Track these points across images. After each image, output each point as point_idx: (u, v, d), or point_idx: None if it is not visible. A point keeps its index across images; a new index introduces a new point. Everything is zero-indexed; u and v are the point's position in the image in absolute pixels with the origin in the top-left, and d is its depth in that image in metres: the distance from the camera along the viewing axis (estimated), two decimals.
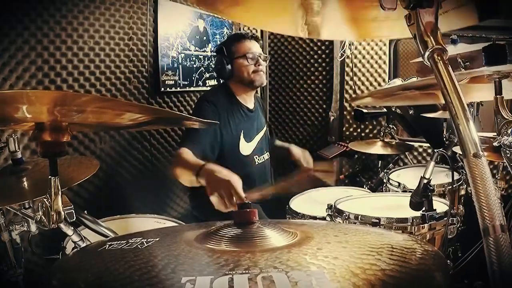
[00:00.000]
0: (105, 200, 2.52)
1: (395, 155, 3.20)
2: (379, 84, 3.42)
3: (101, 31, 2.44)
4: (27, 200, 1.36)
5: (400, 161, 3.32)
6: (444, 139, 2.54)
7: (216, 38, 3.31)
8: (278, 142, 2.80)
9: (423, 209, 1.61)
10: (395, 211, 1.77)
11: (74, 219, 1.05)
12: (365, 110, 3.03)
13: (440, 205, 1.76)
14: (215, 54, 2.58)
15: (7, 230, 1.50)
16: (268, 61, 2.51)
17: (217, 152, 2.23)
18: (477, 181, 0.64)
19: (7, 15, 1.99)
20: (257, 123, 2.52)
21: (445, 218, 1.65)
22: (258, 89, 2.55)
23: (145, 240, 0.84)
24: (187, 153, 2.00)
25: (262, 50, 2.46)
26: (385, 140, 3.04)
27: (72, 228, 1.22)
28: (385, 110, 3.01)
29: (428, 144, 3.12)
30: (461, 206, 2.24)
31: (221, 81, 2.52)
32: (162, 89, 2.85)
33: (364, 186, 2.88)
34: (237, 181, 1.59)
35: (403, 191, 2.22)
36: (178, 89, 2.99)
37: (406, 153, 3.26)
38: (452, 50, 2.35)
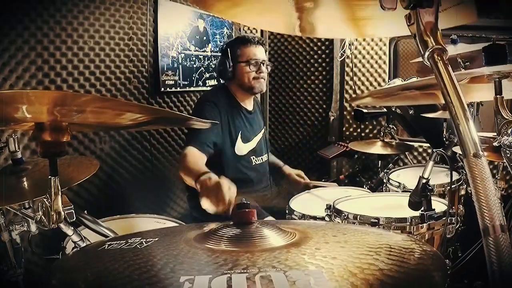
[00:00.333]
0: (105, 200, 2.52)
1: (395, 155, 3.20)
2: (379, 84, 3.42)
3: (101, 31, 2.44)
4: (27, 200, 1.36)
5: (400, 161, 3.32)
6: (444, 139, 2.54)
7: (216, 38, 3.31)
8: (271, 157, 2.77)
9: (422, 209, 1.61)
10: (394, 211, 1.77)
11: (74, 219, 1.05)
12: (365, 110, 3.03)
13: (439, 205, 1.76)
14: (219, 53, 2.58)
15: (7, 230, 1.50)
16: (270, 68, 2.50)
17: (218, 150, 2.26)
18: (477, 181, 0.64)
19: (7, 15, 1.99)
20: (256, 124, 2.53)
21: (444, 218, 1.65)
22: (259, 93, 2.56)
23: (144, 240, 0.84)
24: (192, 155, 2.03)
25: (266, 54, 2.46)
26: (385, 140, 3.04)
27: (72, 228, 1.22)
28: (385, 110, 3.01)
29: (428, 144, 3.12)
30: (461, 206, 2.24)
31: (222, 82, 2.53)
32: (162, 89, 2.85)
33: (364, 186, 2.88)
34: (226, 185, 1.58)
35: (403, 191, 2.22)
36: (178, 89, 2.99)
37: (406, 153, 3.26)
38: (452, 50, 2.35)
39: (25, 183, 1.38)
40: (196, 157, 2.04)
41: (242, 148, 2.41)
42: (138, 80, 2.70)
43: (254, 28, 3.64)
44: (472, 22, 0.95)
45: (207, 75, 3.24)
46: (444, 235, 1.64)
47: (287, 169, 2.73)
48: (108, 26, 2.48)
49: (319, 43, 3.65)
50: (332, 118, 3.60)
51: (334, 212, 1.78)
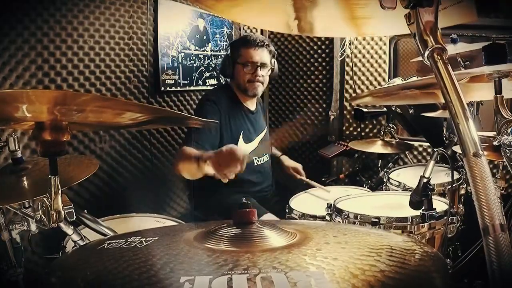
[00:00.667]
0: (105, 199, 2.52)
1: (395, 154, 3.20)
2: (379, 84, 3.42)
3: (101, 30, 2.44)
4: (27, 200, 1.36)
5: (400, 160, 3.32)
6: (444, 138, 2.54)
7: (216, 37, 3.31)
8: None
9: (423, 208, 1.61)
10: (395, 210, 1.77)
11: (74, 219, 1.05)
12: (365, 110, 3.02)
13: (440, 204, 1.76)
14: (219, 52, 2.58)
15: (7, 230, 1.50)
16: (273, 72, 2.46)
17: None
18: (477, 180, 0.64)
19: (7, 15, 1.99)
20: (258, 125, 2.53)
21: (445, 217, 1.65)
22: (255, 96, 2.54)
23: (144, 239, 0.84)
24: (189, 149, 2.01)
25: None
26: (385, 139, 3.04)
27: (72, 227, 1.22)
28: (385, 109, 3.00)
29: (428, 143, 3.12)
30: (461, 205, 2.24)
31: (223, 81, 2.53)
32: (162, 88, 2.85)
33: (364, 185, 2.88)
34: (236, 147, 1.62)
35: (403, 190, 2.22)
36: (178, 88, 2.99)
37: (406, 152, 3.26)
38: (452, 49, 2.35)
39: (25, 182, 1.38)
40: (194, 151, 2.02)
41: (244, 148, 2.40)
42: (138, 80, 2.70)
43: (254, 28, 3.64)
44: (472, 21, 0.95)
45: (207, 74, 3.24)
46: (445, 234, 1.64)
47: (285, 160, 2.73)
48: (108, 25, 2.47)
49: (319, 43, 3.65)
50: (332, 117, 3.59)
51: (334, 211, 1.78)
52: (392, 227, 1.64)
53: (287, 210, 2.07)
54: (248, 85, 2.36)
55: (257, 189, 2.46)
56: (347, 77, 3.55)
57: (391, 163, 3.15)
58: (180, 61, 2.97)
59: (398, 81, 2.44)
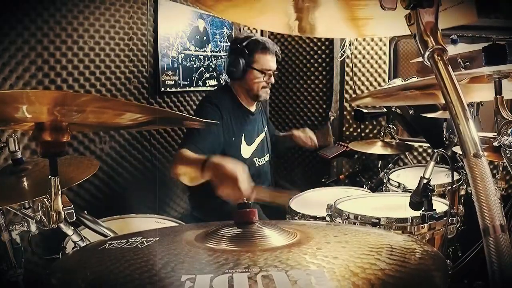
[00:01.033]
0: (105, 200, 2.52)
1: (395, 155, 3.20)
2: (379, 84, 3.42)
3: (101, 31, 2.44)
4: (27, 200, 1.36)
5: (400, 161, 3.32)
6: (444, 139, 2.54)
7: (216, 38, 3.31)
8: (281, 133, 2.83)
9: (423, 209, 1.61)
10: (395, 211, 1.76)
11: (74, 219, 1.06)
12: (365, 110, 3.02)
13: (439, 205, 1.76)
14: (219, 53, 2.56)
15: (7, 230, 1.50)
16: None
17: (218, 154, 2.23)
18: (477, 181, 0.64)
19: (7, 15, 1.99)
20: (258, 126, 2.53)
21: (445, 218, 1.65)
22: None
23: (145, 239, 0.84)
24: (188, 152, 1.98)
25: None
26: (385, 140, 3.04)
27: (72, 228, 1.22)
28: (385, 110, 3.00)
29: (428, 144, 3.12)
30: (461, 206, 2.24)
31: (224, 82, 2.52)
32: (162, 89, 2.85)
33: (364, 186, 2.88)
34: (242, 176, 1.48)
35: (403, 191, 2.22)
36: (178, 89, 2.99)
37: (406, 153, 3.26)
38: (452, 50, 2.35)
39: (25, 183, 1.38)
40: (191, 153, 1.97)
41: (246, 150, 2.39)
42: (138, 80, 2.70)
43: (254, 28, 3.64)
44: (472, 22, 0.95)
45: (207, 75, 3.24)
46: (445, 235, 1.64)
47: (295, 132, 2.67)
48: (108, 26, 2.47)
49: (319, 43, 3.65)
50: (332, 118, 3.59)
51: (335, 212, 1.78)
52: (392, 228, 1.64)
53: (287, 211, 2.07)
54: (262, 91, 2.37)
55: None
56: (347, 78, 3.55)
57: (391, 164, 3.15)
58: (180, 62, 2.97)
59: (398, 82, 2.45)
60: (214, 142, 2.17)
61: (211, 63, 3.26)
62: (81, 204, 2.39)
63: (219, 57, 3.33)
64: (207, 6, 0.92)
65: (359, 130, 3.55)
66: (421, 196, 1.60)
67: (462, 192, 2.27)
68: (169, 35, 2.85)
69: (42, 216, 0.99)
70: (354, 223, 1.69)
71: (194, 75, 3.12)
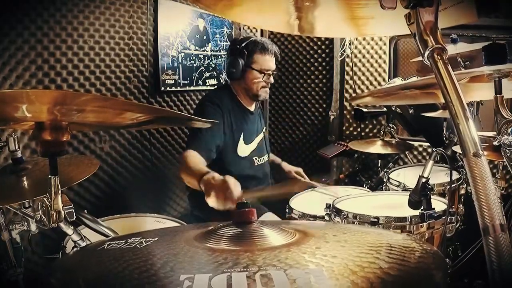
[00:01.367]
0: (105, 199, 2.52)
1: (395, 154, 3.20)
2: (379, 84, 3.42)
3: (101, 30, 2.44)
4: (27, 200, 1.36)
5: (400, 160, 3.32)
6: (444, 138, 2.54)
7: (216, 37, 3.31)
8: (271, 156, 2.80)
9: (422, 208, 1.61)
10: (394, 210, 1.77)
11: (74, 219, 1.06)
12: (365, 110, 3.03)
13: (439, 204, 1.76)
14: (219, 52, 2.57)
15: (7, 230, 1.50)
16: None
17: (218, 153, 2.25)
18: (477, 181, 0.64)
19: (7, 15, 1.99)
20: (257, 125, 2.54)
21: (444, 217, 1.65)
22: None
23: (144, 239, 0.84)
24: (193, 157, 2.02)
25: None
26: (385, 139, 3.04)
27: (72, 227, 1.22)
28: (385, 109, 3.00)
29: (428, 143, 3.12)
30: (461, 205, 2.24)
31: (223, 82, 2.53)
32: (162, 88, 2.85)
33: (364, 185, 2.88)
34: (232, 182, 1.60)
35: (403, 190, 2.22)
36: (178, 88, 2.99)
37: (406, 152, 3.26)
38: (452, 49, 2.35)
39: (25, 182, 1.38)
40: (197, 159, 2.03)
41: (244, 149, 2.41)
42: (138, 80, 2.70)
43: (254, 28, 3.64)
44: (472, 21, 0.95)
45: (207, 74, 3.24)
46: (444, 234, 1.64)
47: (286, 166, 2.74)
48: (108, 25, 2.47)
49: (319, 43, 3.65)
50: (332, 117, 3.59)
51: (334, 211, 1.78)
52: (391, 227, 1.64)
53: (287, 210, 2.07)
54: (261, 91, 2.40)
55: (257, 188, 2.46)
56: (347, 77, 3.55)
57: (391, 163, 3.16)
58: (180, 61, 2.97)
59: (398, 81, 2.45)
60: (216, 142, 2.19)
61: (211, 63, 3.26)
62: (81, 204, 2.39)
63: (219, 56, 3.33)
64: (207, 5, 0.92)
65: (359, 130, 3.55)
66: (420, 195, 1.61)
67: (462, 191, 2.27)
68: (169, 34, 2.85)
69: (42, 216, 0.99)
70: (353, 222, 1.69)
71: (194, 75, 3.12)
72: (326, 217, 1.82)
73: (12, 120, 0.97)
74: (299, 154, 3.87)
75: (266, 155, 2.58)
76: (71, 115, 0.89)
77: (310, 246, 0.77)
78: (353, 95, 3.51)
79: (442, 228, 1.65)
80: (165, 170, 2.95)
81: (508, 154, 1.10)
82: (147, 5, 2.71)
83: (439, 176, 2.27)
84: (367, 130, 3.55)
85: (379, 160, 3.10)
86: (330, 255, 0.71)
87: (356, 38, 3.40)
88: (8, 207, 1.48)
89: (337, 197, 1.95)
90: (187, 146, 2.17)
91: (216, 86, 3.25)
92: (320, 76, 3.69)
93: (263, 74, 2.35)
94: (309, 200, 2.24)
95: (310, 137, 3.82)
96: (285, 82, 3.86)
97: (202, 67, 3.19)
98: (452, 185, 2.04)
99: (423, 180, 1.59)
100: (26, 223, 1.46)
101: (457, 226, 1.70)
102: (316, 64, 3.69)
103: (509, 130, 1.10)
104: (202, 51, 3.18)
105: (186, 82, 3.04)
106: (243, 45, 2.36)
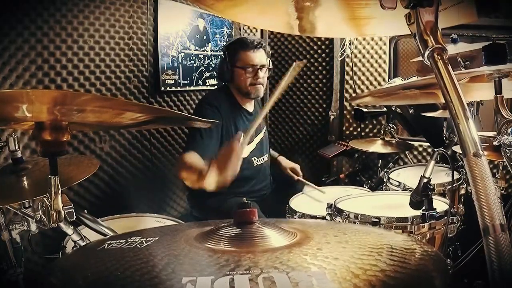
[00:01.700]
0: (105, 199, 2.52)
1: (395, 154, 3.20)
2: (379, 83, 3.42)
3: (101, 30, 2.44)
4: (27, 200, 1.36)
5: (400, 160, 3.32)
6: (444, 138, 2.54)
7: (216, 37, 3.31)
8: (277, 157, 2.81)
9: (423, 208, 1.61)
10: (395, 210, 1.76)
11: (74, 218, 1.05)
12: (365, 109, 3.02)
13: (440, 204, 1.76)
14: (219, 53, 2.57)
15: (7, 229, 1.50)
16: (270, 72, 2.49)
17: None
18: (477, 180, 0.64)
19: (7, 15, 1.99)
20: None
21: (445, 217, 1.65)
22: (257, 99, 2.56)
23: (145, 239, 0.84)
24: (193, 158, 2.01)
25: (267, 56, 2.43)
26: (385, 139, 3.04)
27: (72, 227, 1.22)
28: (385, 109, 3.00)
29: (428, 143, 3.12)
30: (461, 205, 2.24)
31: (222, 83, 2.53)
32: (162, 88, 2.85)
33: (364, 185, 2.88)
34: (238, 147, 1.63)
35: (403, 190, 2.22)
36: (178, 88, 2.99)
37: (406, 152, 3.26)
38: (452, 49, 2.35)
39: (25, 182, 1.38)
40: (197, 159, 2.02)
41: (244, 149, 2.40)
42: (138, 80, 2.70)
43: (254, 28, 3.64)
44: (472, 21, 0.95)
45: (207, 74, 3.24)
46: (445, 234, 1.64)
47: (283, 160, 2.73)
48: (108, 25, 2.47)
49: (319, 43, 3.65)
50: (332, 117, 3.59)
51: (335, 211, 1.78)
52: (392, 227, 1.64)
53: (287, 210, 2.07)
54: (251, 88, 2.37)
55: (256, 188, 2.47)
56: (347, 77, 3.55)
57: (391, 163, 3.16)
58: (180, 61, 2.97)
59: (398, 81, 2.45)
60: (215, 144, 2.19)
61: (211, 62, 3.26)
62: (81, 203, 2.39)
63: (219, 56, 3.33)
64: (207, 5, 0.92)
65: (359, 129, 3.55)
66: (421, 195, 1.60)
67: (462, 191, 2.27)
68: (169, 34, 2.85)
69: (42, 215, 0.99)
70: (354, 222, 1.69)
71: (194, 75, 3.12)
72: (327, 217, 1.82)
73: (12, 120, 0.96)
74: (299, 154, 3.86)
75: (266, 155, 2.57)
76: (71, 115, 0.89)
77: (311, 247, 0.76)
78: (353, 95, 3.51)
79: (444, 228, 1.64)
80: (165, 170, 2.95)
81: (508, 154, 1.10)
82: (147, 5, 2.71)
83: (439, 176, 2.26)
84: (367, 130, 3.55)
85: (379, 160, 3.10)
86: (332, 257, 0.70)
87: (356, 38, 3.40)
88: (8, 207, 1.48)
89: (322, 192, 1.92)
90: (186, 149, 2.17)
91: (216, 87, 3.25)
92: (320, 76, 3.69)
93: (249, 70, 2.33)
94: (310, 200, 2.24)
95: (310, 137, 3.82)
96: None
97: (202, 67, 3.19)
98: (453, 185, 2.04)
99: (425, 180, 1.58)
100: (26, 223, 1.46)
101: (458, 226, 1.70)
102: (316, 64, 3.69)
103: (509, 130, 1.10)
104: (202, 51, 3.18)
105: (186, 82, 3.04)
106: (227, 46, 2.43)
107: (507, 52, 1.22)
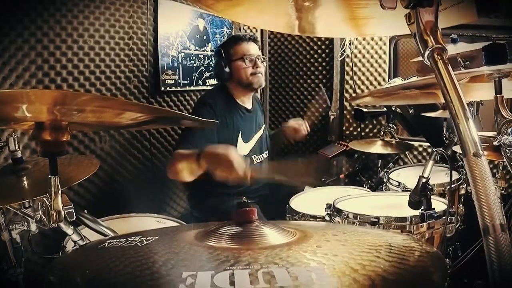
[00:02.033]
0: (105, 199, 2.52)
1: (395, 154, 3.20)
2: (379, 83, 3.42)
3: (101, 30, 2.44)
4: (27, 200, 1.36)
5: (400, 161, 3.32)
6: (444, 138, 2.53)
7: (216, 37, 3.31)
8: (272, 131, 2.87)
9: (422, 208, 1.61)
10: (394, 210, 1.77)
11: (74, 219, 1.05)
12: (365, 110, 3.02)
13: (439, 204, 1.76)
14: (214, 55, 2.59)
15: (7, 229, 1.50)
16: (266, 62, 2.52)
17: None
18: (477, 181, 0.64)
19: (7, 15, 1.99)
20: (256, 123, 2.53)
21: (444, 217, 1.65)
22: (258, 89, 2.57)
23: (145, 238, 0.84)
24: (182, 151, 2.00)
25: (262, 51, 2.47)
26: (385, 139, 3.04)
27: (72, 227, 1.22)
28: (385, 109, 3.00)
29: (428, 143, 3.12)
30: (461, 205, 2.24)
31: (220, 82, 2.53)
32: (162, 88, 2.85)
33: (364, 186, 2.88)
34: (236, 156, 1.64)
35: (403, 190, 2.22)
36: (178, 88, 2.99)
37: (406, 152, 3.26)
38: (452, 49, 2.35)
39: (25, 182, 1.38)
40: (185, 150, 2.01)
41: (243, 147, 2.40)
42: (138, 79, 2.70)
43: (254, 28, 3.64)
44: (472, 21, 0.95)
45: (207, 74, 3.24)
46: (444, 234, 1.65)
47: (282, 125, 2.76)
48: (108, 25, 2.47)
49: (319, 43, 3.65)
50: (332, 117, 3.60)
51: (334, 211, 1.78)
52: (391, 227, 1.64)
53: (287, 210, 2.07)
54: (252, 78, 2.39)
55: (255, 187, 2.46)
56: (347, 77, 3.55)
57: (391, 163, 3.16)
58: (180, 61, 2.97)
59: (398, 81, 2.44)
60: (207, 143, 2.17)
61: (211, 63, 3.25)
62: (81, 203, 2.39)
63: (215, 60, 3.33)
64: (207, 5, 0.92)
65: (359, 130, 3.55)
66: (420, 195, 1.61)
67: (462, 191, 2.27)
68: (169, 34, 2.85)
69: (42, 215, 0.99)
70: (353, 222, 1.69)
71: (194, 74, 3.12)
72: (327, 217, 1.82)
73: (12, 120, 0.97)
74: (299, 154, 3.86)
75: (265, 153, 2.57)
76: (71, 115, 0.89)
77: (310, 245, 0.77)
78: (353, 95, 3.51)
79: (442, 228, 1.65)
80: (165, 170, 2.94)
81: (508, 154, 1.10)
82: (147, 5, 2.70)
83: (439, 176, 2.27)
84: (367, 130, 3.55)
85: (379, 160, 3.10)
86: (331, 254, 0.71)
87: (356, 38, 3.40)
88: (8, 207, 1.48)
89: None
90: (177, 147, 2.16)
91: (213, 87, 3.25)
92: (320, 76, 3.69)
93: (246, 60, 2.37)
94: (309, 200, 2.24)
95: (310, 137, 3.82)
96: (285, 82, 3.86)
97: (202, 67, 3.19)
98: (452, 185, 2.04)
99: (423, 180, 1.59)
100: (26, 223, 1.46)
101: (457, 226, 1.70)
102: (316, 64, 3.69)
103: (509, 130, 1.10)
104: (202, 51, 3.18)
105: (186, 82, 3.04)
106: (220, 45, 2.49)
107: (507, 52, 1.22)
